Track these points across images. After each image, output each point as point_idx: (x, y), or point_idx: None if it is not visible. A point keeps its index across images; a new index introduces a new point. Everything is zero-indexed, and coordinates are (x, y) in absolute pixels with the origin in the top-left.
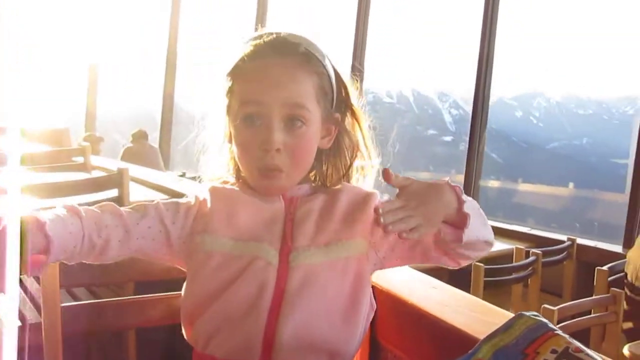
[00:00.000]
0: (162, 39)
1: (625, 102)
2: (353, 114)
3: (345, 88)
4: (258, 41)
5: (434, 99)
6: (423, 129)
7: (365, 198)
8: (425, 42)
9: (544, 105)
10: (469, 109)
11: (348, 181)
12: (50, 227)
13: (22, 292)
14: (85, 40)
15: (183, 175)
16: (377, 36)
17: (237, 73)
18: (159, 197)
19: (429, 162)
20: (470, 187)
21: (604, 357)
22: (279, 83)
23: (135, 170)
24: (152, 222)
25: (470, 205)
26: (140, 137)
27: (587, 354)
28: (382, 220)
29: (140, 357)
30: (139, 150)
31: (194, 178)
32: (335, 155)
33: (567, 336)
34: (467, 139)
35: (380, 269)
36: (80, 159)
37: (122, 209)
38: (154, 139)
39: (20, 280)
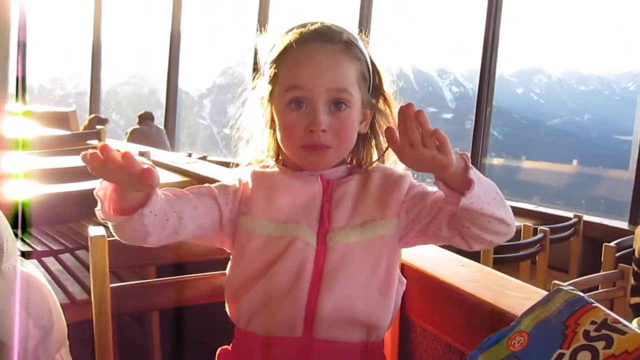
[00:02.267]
0: (165, 19)
1: (627, 77)
2: (385, 100)
3: (379, 75)
4: (303, 29)
5: (434, 76)
6: (423, 106)
7: (398, 179)
8: (426, 19)
9: (545, 82)
10: (469, 86)
11: (383, 163)
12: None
13: (65, 270)
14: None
15: (190, 156)
16: (377, 13)
17: (283, 60)
18: (178, 180)
19: None
20: (477, 164)
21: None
22: (324, 68)
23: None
24: (210, 202)
25: (481, 178)
26: (146, 118)
27: (624, 325)
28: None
29: (183, 333)
30: (145, 131)
31: (202, 158)
32: (372, 138)
33: (605, 309)
34: (469, 116)
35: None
36: (95, 142)
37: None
38: (157, 120)
39: (61, 260)
